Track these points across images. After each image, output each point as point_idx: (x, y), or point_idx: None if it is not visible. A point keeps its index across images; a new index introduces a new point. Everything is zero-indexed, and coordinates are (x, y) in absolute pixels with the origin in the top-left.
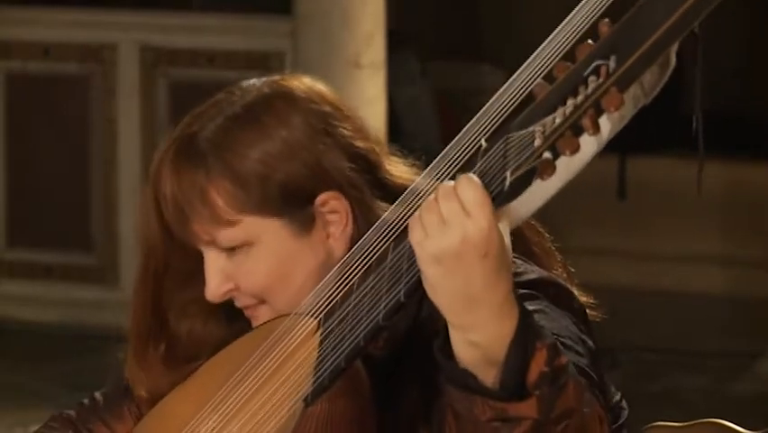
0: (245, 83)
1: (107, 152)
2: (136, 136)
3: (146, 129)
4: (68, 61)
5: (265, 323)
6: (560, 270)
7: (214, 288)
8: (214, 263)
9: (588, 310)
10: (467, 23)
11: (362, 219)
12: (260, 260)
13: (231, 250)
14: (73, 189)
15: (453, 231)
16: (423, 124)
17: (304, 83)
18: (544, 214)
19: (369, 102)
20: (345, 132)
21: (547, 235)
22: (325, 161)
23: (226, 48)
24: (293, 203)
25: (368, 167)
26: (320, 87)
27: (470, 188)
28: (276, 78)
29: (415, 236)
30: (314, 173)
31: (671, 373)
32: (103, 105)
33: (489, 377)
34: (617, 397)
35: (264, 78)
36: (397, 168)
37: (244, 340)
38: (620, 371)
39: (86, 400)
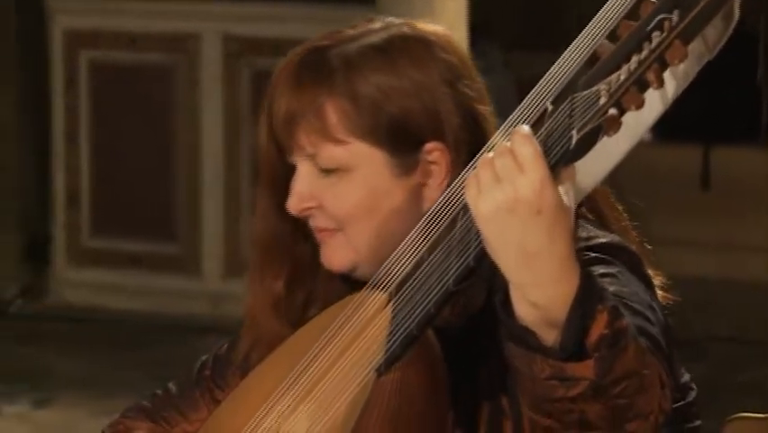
0: (386, 18)
1: (191, 142)
2: (219, 125)
3: (229, 118)
4: (153, 51)
5: (336, 304)
6: (635, 247)
7: (298, 201)
8: (305, 177)
9: (666, 299)
10: (549, 12)
11: (453, 180)
12: (352, 187)
13: (327, 171)
14: (157, 179)
15: (506, 187)
16: (505, 114)
17: (442, 32)
18: (628, 204)
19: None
20: (468, 91)
21: (625, 215)
22: (442, 111)
23: (310, 37)
24: (402, 141)
25: (477, 131)
26: (456, 41)
27: (523, 143)
28: (416, 22)
29: (470, 193)
30: (428, 119)
31: (756, 364)
32: (186, 95)
33: (548, 337)
34: (686, 377)
35: (404, 19)
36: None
37: (316, 320)
38: (706, 362)
39: (159, 391)
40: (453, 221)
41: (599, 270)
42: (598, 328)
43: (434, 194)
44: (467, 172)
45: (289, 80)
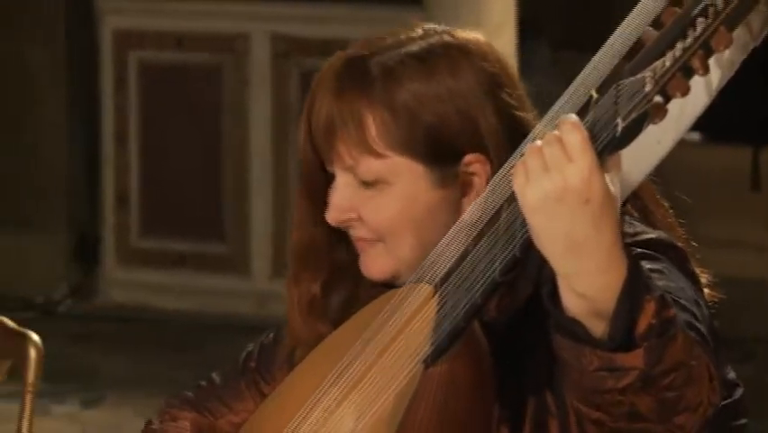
0: (427, 25)
1: (239, 142)
2: (268, 125)
3: (277, 118)
4: (201, 51)
5: (380, 297)
6: (682, 244)
7: (336, 212)
8: (344, 189)
9: (712, 297)
10: (597, 11)
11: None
12: (392, 199)
13: (366, 183)
14: (205, 179)
15: (554, 175)
16: None
17: (483, 41)
18: (677, 204)
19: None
20: (509, 99)
21: (670, 212)
22: (482, 121)
23: (357, 37)
24: (440, 153)
25: (519, 139)
26: (496, 48)
27: (571, 131)
28: (456, 29)
29: (517, 182)
30: (466, 128)
31: None
32: (235, 95)
33: (596, 328)
34: (732, 375)
35: (444, 26)
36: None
37: (360, 315)
38: (754, 363)
39: (203, 382)
40: (499, 211)
41: (646, 265)
42: (647, 318)
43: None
44: (513, 161)
45: (330, 87)
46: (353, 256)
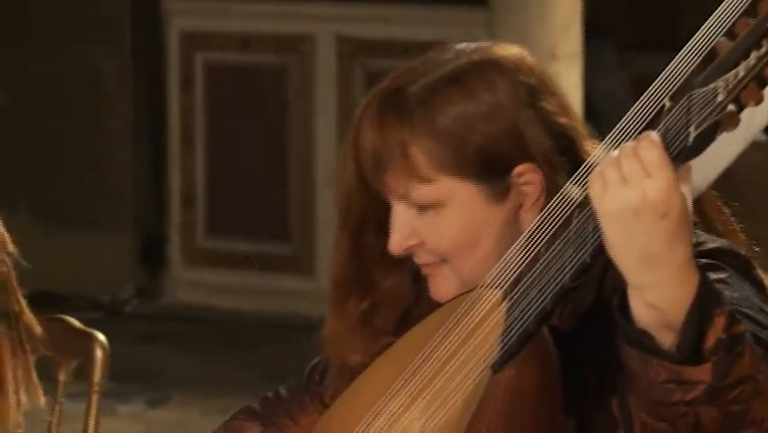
0: (458, 45)
1: (304, 142)
2: (333, 126)
3: (343, 119)
4: (267, 52)
5: (449, 302)
6: (744, 250)
7: (399, 241)
8: (402, 217)
9: None
10: (664, 12)
11: (551, 198)
12: (450, 221)
13: (421, 208)
14: (271, 179)
15: (633, 190)
16: (619, 114)
17: (515, 54)
18: (745, 206)
19: (565, 93)
20: (549, 107)
21: (732, 218)
22: (526, 133)
23: (422, 38)
24: (491, 170)
25: (566, 144)
26: (530, 59)
27: (650, 148)
28: (488, 44)
29: (594, 190)
30: (513, 142)
31: None
32: (300, 96)
33: (666, 340)
34: None
35: (476, 44)
36: (596, 150)
37: (431, 318)
38: None
39: (270, 394)
40: (570, 217)
41: (711, 276)
42: (716, 332)
43: (530, 214)
44: (589, 168)
45: (372, 121)
46: (399, 280)
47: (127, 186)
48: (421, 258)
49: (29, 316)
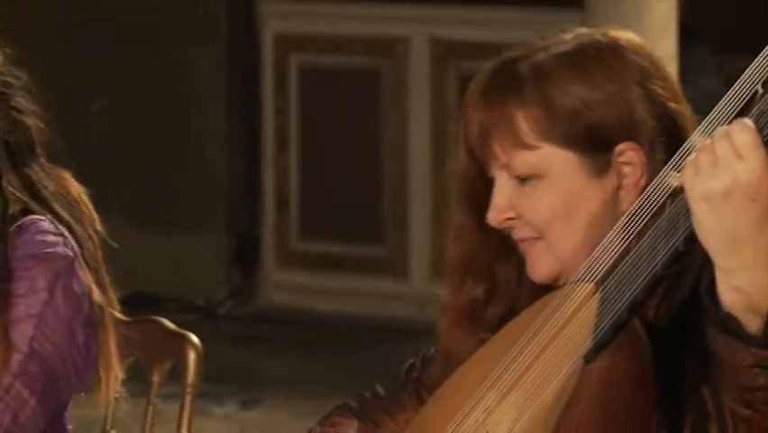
0: (576, 30)
1: (398, 145)
2: (426, 129)
3: (436, 121)
4: (360, 55)
5: (541, 299)
6: None
7: (498, 212)
8: (502, 188)
9: None
10: (760, 13)
11: (650, 180)
12: (548, 192)
13: (522, 179)
14: (364, 182)
15: (724, 172)
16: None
17: (631, 37)
18: None
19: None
20: (659, 90)
21: None
22: (636, 113)
23: (516, 40)
24: (594, 144)
25: (673, 128)
26: (645, 44)
27: (742, 131)
28: (606, 28)
29: (687, 174)
30: (621, 120)
31: None
32: (393, 98)
33: (752, 324)
34: None
35: (593, 29)
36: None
37: (523, 315)
38: None
39: (367, 393)
40: (662, 206)
41: None
42: None
43: (630, 196)
44: (681, 158)
45: (481, 93)
46: (516, 270)
47: (221, 188)
48: (519, 232)
49: (111, 295)
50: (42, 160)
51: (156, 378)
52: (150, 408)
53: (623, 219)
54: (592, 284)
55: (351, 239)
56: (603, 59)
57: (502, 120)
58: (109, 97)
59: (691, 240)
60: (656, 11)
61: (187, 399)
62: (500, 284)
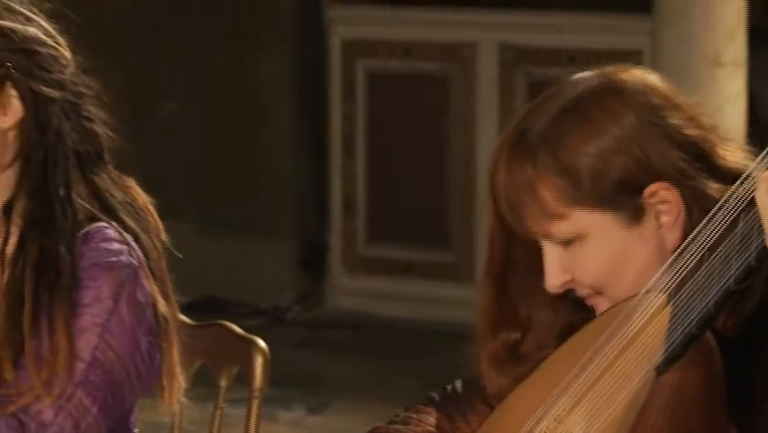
0: (575, 76)
1: (466, 151)
2: (495, 134)
3: (504, 127)
4: (428, 60)
5: (610, 307)
6: None
7: (553, 280)
8: (551, 256)
9: None
10: None
11: (696, 206)
12: (592, 252)
13: (566, 242)
14: (431, 187)
15: None
16: None
17: (633, 75)
18: None
19: (729, 100)
20: (675, 121)
21: None
22: (654, 154)
23: (585, 46)
24: (622, 196)
25: (699, 154)
26: (650, 78)
27: None
28: (606, 70)
29: (760, 191)
30: (642, 166)
31: None
32: (462, 104)
33: None
34: None
35: (594, 72)
36: (733, 153)
37: (590, 326)
38: None
39: (448, 387)
40: (735, 220)
41: None
42: None
43: (673, 233)
44: (750, 173)
45: (502, 164)
46: (544, 311)
47: (289, 193)
48: (579, 291)
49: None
50: (110, 168)
51: (223, 382)
52: (218, 412)
53: (694, 232)
54: (664, 296)
55: (417, 244)
56: (604, 104)
57: (526, 194)
58: (179, 102)
59: (764, 255)
60: (725, 14)
61: (254, 403)
62: (535, 325)
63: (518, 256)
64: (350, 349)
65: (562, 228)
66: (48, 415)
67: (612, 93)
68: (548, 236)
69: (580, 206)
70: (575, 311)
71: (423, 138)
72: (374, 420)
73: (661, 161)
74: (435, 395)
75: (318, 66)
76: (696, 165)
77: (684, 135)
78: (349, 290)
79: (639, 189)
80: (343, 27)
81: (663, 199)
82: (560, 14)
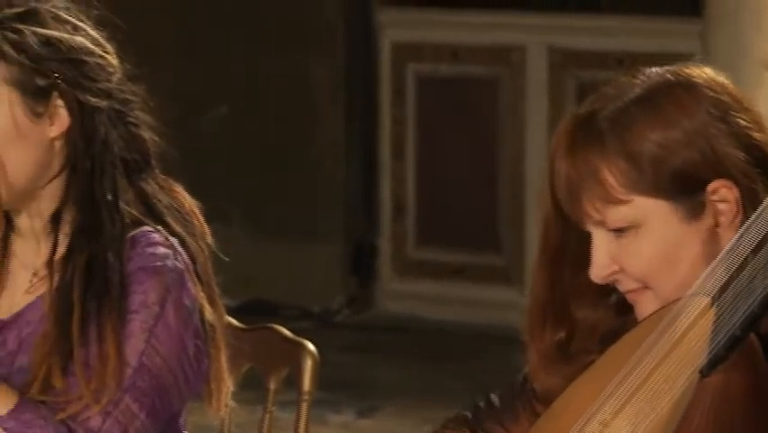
0: (649, 69)
1: (515, 154)
2: (544, 138)
3: (554, 130)
4: (477, 63)
5: (655, 312)
6: None
7: (600, 268)
8: (601, 244)
9: None
10: None
11: (751, 209)
12: (646, 242)
13: (618, 231)
14: (481, 190)
15: None
16: None
17: (705, 72)
18: None
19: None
20: (742, 122)
21: None
22: (720, 150)
23: (635, 50)
24: (685, 188)
25: (761, 158)
26: (721, 78)
27: None
28: (678, 66)
29: None
30: (708, 161)
31: None
32: (511, 107)
33: None
34: None
35: (667, 67)
36: None
37: (636, 330)
38: None
39: (481, 403)
40: None
41: None
42: None
43: (728, 232)
44: None
45: (564, 149)
46: (591, 315)
47: (339, 196)
48: (623, 285)
49: (221, 308)
50: (157, 172)
51: (272, 385)
52: (267, 415)
53: (737, 235)
54: (708, 298)
55: (467, 247)
56: (676, 97)
57: (588, 177)
58: (228, 106)
59: None
60: None
61: (304, 406)
62: (581, 325)
63: (571, 246)
64: (399, 352)
65: (619, 214)
66: (96, 421)
67: (684, 87)
68: (602, 223)
69: (641, 193)
70: (616, 316)
71: (472, 141)
72: (423, 424)
73: (726, 158)
74: (468, 413)
75: (368, 69)
76: (757, 169)
77: (750, 138)
78: (398, 294)
79: (702, 185)
80: (393, 31)
81: (724, 198)
82: (609, 17)
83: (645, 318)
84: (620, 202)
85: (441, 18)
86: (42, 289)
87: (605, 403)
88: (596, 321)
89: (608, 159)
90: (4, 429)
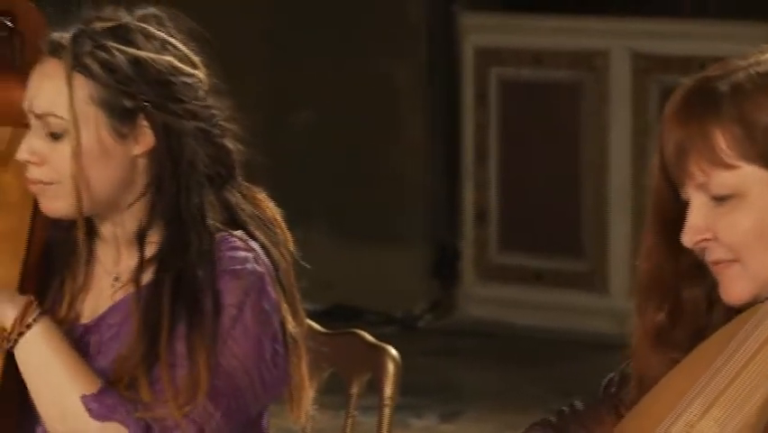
0: None
1: (598, 159)
2: (627, 143)
3: (637, 136)
4: (560, 68)
5: (742, 314)
6: None
7: (693, 232)
8: (698, 208)
9: None
10: None
11: None
12: (746, 213)
13: (719, 200)
14: (564, 195)
15: None
16: None
17: None
18: None
19: None
20: None
21: None
22: None
23: (719, 54)
24: None
25: None
26: None
27: None
28: None
29: None
30: None
31: None
32: (594, 112)
33: None
34: None
35: None
36: None
37: (721, 331)
38: None
39: (565, 408)
40: None
41: None
42: None
43: None
44: None
45: (677, 112)
46: (706, 294)
47: (421, 201)
48: (712, 254)
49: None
50: (240, 181)
51: (355, 390)
52: (350, 420)
53: None
54: None
55: (550, 252)
56: None
57: (700, 138)
58: (311, 111)
59: None
60: None
61: (386, 411)
62: (686, 307)
63: (677, 215)
64: (482, 357)
65: (725, 179)
66: (172, 420)
67: None
68: (705, 186)
69: (750, 161)
70: (707, 308)
71: (555, 146)
72: (505, 428)
73: None
74: (552, 417)
75: (450, 74)
76: None
77: None
78: (481, 299)
79: None
80: (475, 35)
81: None
82: (692, 22)
83: (732, 319)
84: (727, 167)
85: (524, 23)
86: (122, 294)
87: (691, 403)
88: (693, 304)
89: (723, 123)
90: (88, 409)
